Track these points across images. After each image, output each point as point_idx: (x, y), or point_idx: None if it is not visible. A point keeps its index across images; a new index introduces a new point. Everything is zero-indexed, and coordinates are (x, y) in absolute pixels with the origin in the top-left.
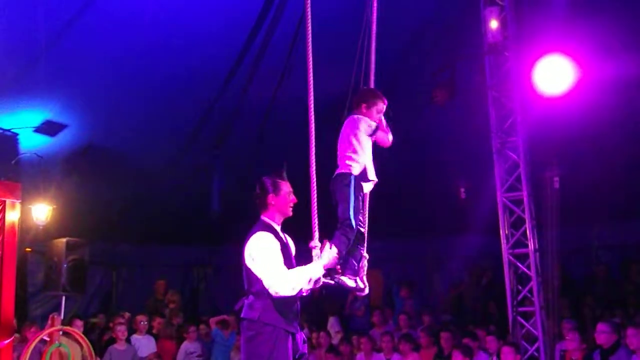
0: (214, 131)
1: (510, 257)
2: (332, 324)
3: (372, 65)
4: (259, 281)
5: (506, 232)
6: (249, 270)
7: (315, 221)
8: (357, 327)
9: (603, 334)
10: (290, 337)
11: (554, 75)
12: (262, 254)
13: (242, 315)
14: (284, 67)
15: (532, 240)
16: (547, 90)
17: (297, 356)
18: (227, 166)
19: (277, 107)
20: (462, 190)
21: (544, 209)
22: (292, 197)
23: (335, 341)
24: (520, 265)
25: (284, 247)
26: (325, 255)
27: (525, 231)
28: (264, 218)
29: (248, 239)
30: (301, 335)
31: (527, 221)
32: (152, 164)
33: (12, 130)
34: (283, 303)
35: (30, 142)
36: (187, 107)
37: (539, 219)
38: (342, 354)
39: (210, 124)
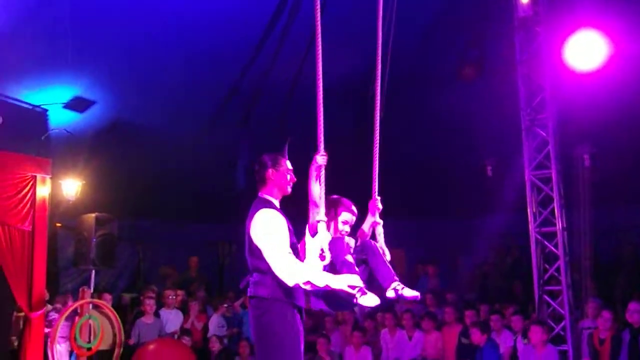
0: (240, 108)
1: (538, 236)
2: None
3: (379, 51)
4: (263, 258)
5: (534, 210)
6: (255, 248)
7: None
8: (380, 304)
9: (636, 313)
10: (300, 311)
11: (586, 51)
12: (270, 235)
13: (249, 294)
14: (307, 45)
15: (560, 218)
16: (579, 66)
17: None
18: (252, 143)
19: (301, 83)
20: (489, 168)
21: (573, 187)
22: (292, 175)
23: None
24: (547, 244)
25: (288, 224)
26: (351, 279)
27: (553, 210)
28: (263, 195)
29: (251, 217)
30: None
31: (555, 199)
32: (179, 141)
33: (41, 107)
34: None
35: (60, 118)
36: (213, 83)
37: (567, 198)
38: (367, 330)
39: (236, 100)
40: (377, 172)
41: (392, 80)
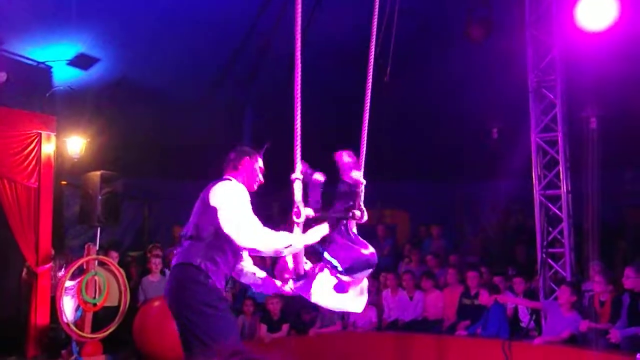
0: (246, 67)
1: (542, 198)
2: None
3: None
4: (211, 228)
5: (539, 173)
6: (210, 214)
7: (298, 152)
8: (382, 265)
9: (629, 279)
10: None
11: (596, 10)
12: (234, 201)
13: (179, 261)
14: (314, 3)
15: (564, 181)
16: (588, 26)
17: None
18: (259, 102)
19: (307, 44)
20: (495, 130)
21: (580, 150)
22: (261, 176)
23: None
24: (551, 207)
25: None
26: (315, 232)
27: (558, 173)
28: (228, 176)
29: (213, 185)
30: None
31: (560, 162)
32: (184, 98)
33: (46, 63)
34: (224, 261)
35: (64, 75)
36: (219, 41)
37: (573, 161)
38: (370, 291)
39: (242, 59)
40: (365, 134)
41: (398, 41)
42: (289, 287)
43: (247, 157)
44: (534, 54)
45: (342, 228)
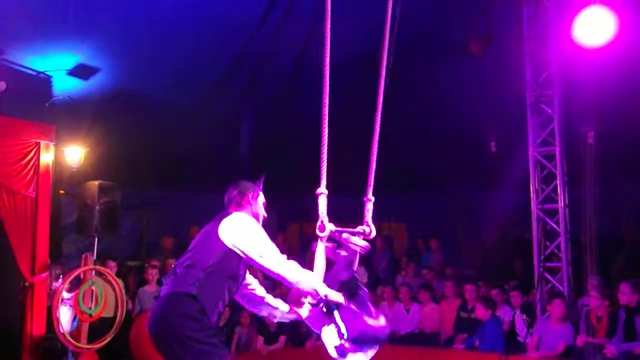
0: (244, 77)
1: (539, 212)
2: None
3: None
4: (214, 260)
5: (536, 187)
6: (210, 246)
7: (324, 165)
8: (380, 278)
9: (625, 295)
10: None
11: (594, 27)
12: (260, 237)
13: (171, 290)
14: (315, 12)
15: (562, 195)
16: (586, 42)
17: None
18: (256, 112)
19: (308, 53)
20: (493, 144)
21: (577, 165)
22: (265, 212)
23: None
24: (549, 221)
25: None
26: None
27: (555, 187)
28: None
29: (224, 216)
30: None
31: (558, 176)
32: (183, 109)
33: (45, 73)
34: (220, 295)
35: (64, 85)
36: (218, 52)
37: (571, 176)
38: None
39: (241, 69)
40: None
41: (397, 55)
42: (305, 312)
43: (250, 193)
44: (532, 69)
45: (361, 293)
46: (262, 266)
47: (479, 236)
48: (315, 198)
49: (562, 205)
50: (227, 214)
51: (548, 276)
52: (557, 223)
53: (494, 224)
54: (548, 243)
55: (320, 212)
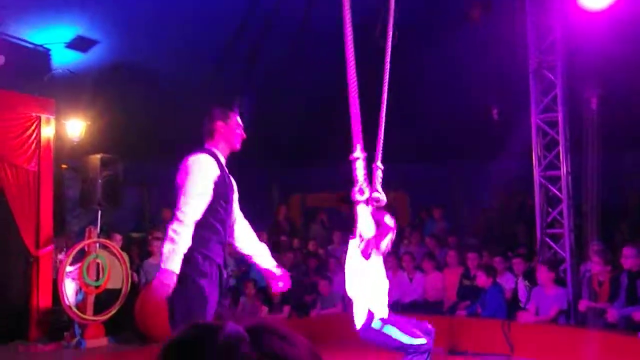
0: (246, 49)
1: (542, 179)
2: None
3: None
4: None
5: (539, 154)
6: (177, 189)
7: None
8: None
9: (629, 259)
10: (216, 266)
11: None
12: (194, 179)
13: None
14: None
15: (564, 162)
16: (589, 5)
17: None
18: (259, 84)
19: (309, 26)
20: (495, 112)
21: (580, 131)
22: (242, 131)
23: None
24: (551, 187)
25: (223, 180)
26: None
27: (558, 153)
28: (208, 146)
29: (187, 158)
30: (223, 274)
31: (560, 143)
32: (184, 81)
33: (44, 46)
34: (209, 231)
35: (62, 58)
36: (220, 23)
37: (574, 142)
38: None
39: (242, 42)
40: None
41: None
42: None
43: (219, 121)
44: (534, 35)
45: None
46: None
47: (481, 204)
48: (315, 169)
49: (565, 171)
50: (190, 154)
51: (550, 242)
52: (560, 190)
53: (496, 192)
54: (550, 210)
55: (357, 177)
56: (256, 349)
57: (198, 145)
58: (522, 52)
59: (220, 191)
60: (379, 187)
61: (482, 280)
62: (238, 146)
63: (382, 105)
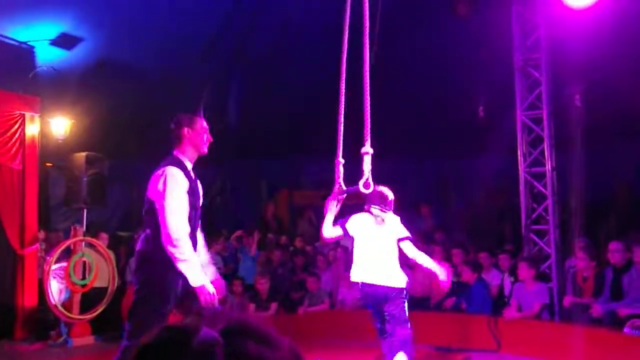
0: (231, 43)
1: (527, 176)
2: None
3: None
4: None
5: (524, 150)
6: (152, 202)
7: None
8: None
9: (616, 253)
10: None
11: None
12: (169, 193)
13: (138, 248)
14: None
15: (549, 158)
16: (574, 2)
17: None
18: (244, 78)
19: (295, 16)
20: (481, 108)
21: (564, 128)
22: (209, 135)
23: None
24: (536, 184)
25: (192, 190)
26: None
27: (543, 150)
28: (176, 154)
29: (156, 172)
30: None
31: (545, 140)
32: (169, 78)
33: (28, 43)
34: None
35: (47, 55)
36: (204, 18)
37: (559, 139)
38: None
39: (227, 35)
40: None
41: (382, 18)
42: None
43: (186, 128)
44: (519, 32)
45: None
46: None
47: (468, 201)
48: (303, 163)
49: (550, 168)
50: (160, 166)
51: (535, 238)
52: (545, 186)
53: (482, 189)
54: (535, 206)
55: (365, 171)
56: (231, 354)
57: (166, 153)
58: (508, 49)
59: (190, 201)
60: (367, 172)
61: (467, 275)
62: (205, 150)
63: (365, 87)
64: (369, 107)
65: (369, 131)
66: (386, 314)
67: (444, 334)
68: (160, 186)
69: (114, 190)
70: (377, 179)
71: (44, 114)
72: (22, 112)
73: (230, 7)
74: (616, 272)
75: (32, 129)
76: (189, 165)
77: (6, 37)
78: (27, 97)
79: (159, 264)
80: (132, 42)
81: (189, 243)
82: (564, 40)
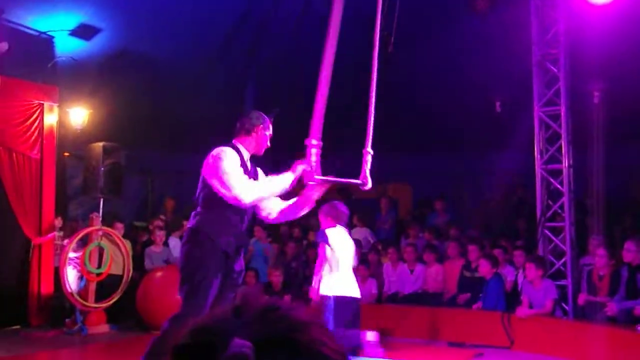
0: (249, 38)
1: (543, 172)
2: (365, 235)
3: None
4: (208, 191)
5: (541, 147)
6: (204, 179)
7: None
8: (384, 238)
9: (630, 252)
10: (224, 256)
11: None
12: (226, 164)
13: (188, 225)
14: None
15: (566, 155)
16: None
17: (226, 276)
18: (262, 73)
19: (311, 13)
20: (498, 104)
21: (582, 125)
22: (269, 141)
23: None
24: (552, 181)
25: (245, 170)
26: (300, 167)
27: (560, 147)
28: (235, 142)
29: (212, 151)
30: (239, 265)
31: (563, 136)
32: (188, 69)
33: (47, 33)
34: (226, 220)
35: (66, 45)
36: (223, 10)
37: (576, 136)
38: (370, 262)
39: (245, 30)
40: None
41: (401, 12)
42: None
43: (261, 126)
44: (538, 27)
45: None
46: (240, 201)
47: (483, 197)
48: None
49: (567, 165)
50: (216, 147)
51: (551, 236)
52: (561, 183)
53: (498, 185)
54: (551, 203)
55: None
56: None
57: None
58: (526, 45)
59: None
60: (367, 172)
61: (485, 269)
62: (261, 152)
63: (372, 85)
64: (373, 109)
65: (371, 132)
66: None
67: (458, 330)
68: (211, 160)
69: (131, 180)
70: (394, 173)
71: (63, 104)
72: (41, 102)
73: (247, 2)
74: (632, 270)
75: (51, 119)
76: (246, 155)
77: (26, 27)
78: (46, 87)
79: (199, 241)
80: (150, 33)
81: (253, 185)
82: (583, 35)
